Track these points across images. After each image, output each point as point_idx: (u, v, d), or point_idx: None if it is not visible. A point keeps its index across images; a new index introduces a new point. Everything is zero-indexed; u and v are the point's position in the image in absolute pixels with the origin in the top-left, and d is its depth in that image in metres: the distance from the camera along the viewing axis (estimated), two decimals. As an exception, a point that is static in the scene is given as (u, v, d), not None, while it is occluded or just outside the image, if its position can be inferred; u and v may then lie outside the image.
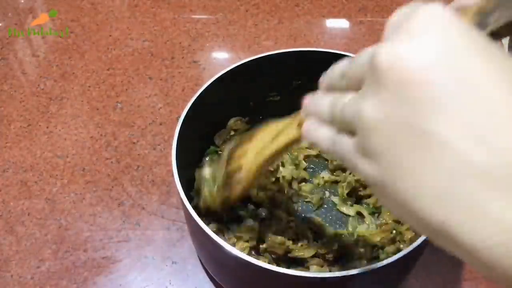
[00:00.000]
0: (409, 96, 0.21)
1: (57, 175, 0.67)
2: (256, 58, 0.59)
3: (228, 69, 0.57)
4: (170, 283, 0.57)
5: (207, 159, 0.62)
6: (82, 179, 0.66)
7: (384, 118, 0.22)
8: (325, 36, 0.87)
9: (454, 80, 0.21)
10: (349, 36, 0.88)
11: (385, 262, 0.41)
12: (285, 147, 0.45)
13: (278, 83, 0.63)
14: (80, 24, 0.89)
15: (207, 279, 0.57)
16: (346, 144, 0.27)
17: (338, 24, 0.90)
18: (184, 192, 0.47)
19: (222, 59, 0.85)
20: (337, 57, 0.59)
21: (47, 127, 0.73)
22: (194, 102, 0.54)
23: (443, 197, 0.21)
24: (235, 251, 0.42)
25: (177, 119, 0.73)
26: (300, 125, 0.37)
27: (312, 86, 0.66)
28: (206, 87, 0.55)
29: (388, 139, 0.22)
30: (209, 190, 0.52)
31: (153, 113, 0.74)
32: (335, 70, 0.29)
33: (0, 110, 0.75)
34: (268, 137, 0.47)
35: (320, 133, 0.30)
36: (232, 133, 0.65)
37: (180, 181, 0.47)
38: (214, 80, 0.56)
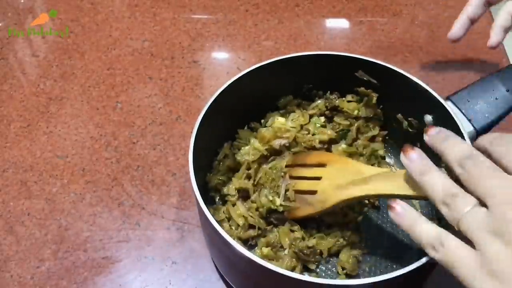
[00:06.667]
0: None
1: (57, 175, 0.67)
2: (269, 63, 0.58)
3: (239, 75, 0.56)
4: (170, 283, 0.57)
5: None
6: (82, 179, 0.66)
7: None
8: (325, 36, 0.87)
9: None
10: (349, 36, 0.88)
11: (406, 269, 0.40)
12: (367, 197, 0.46)
13: (290, 86, 0.63)
14: (80, 24, 0.89)
15: (207, 279, 0.57)
16: (463, 256, 0.27)
17: (338, 24, 0.90)
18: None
19: (222, 59, 0.85)
20: (348, 60, 0.59)
21: (47, 127, 0.73)
22: (206, 111, 0.54)
23: None
24: (252, 256, 0.41)
25: (177, 119, 0.74)
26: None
27: (322, 89, 0.66)
28: (215, 98, 0.54)
29: None
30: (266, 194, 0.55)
31: (153, 113, 0.74)
32: (445, 185, 0.29)
33: (0, 110, 0.75)
34: (349, 175, 0.45)
35: (423, 229, 0.29)
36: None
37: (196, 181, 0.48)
38: (224, 89, 0.55)
